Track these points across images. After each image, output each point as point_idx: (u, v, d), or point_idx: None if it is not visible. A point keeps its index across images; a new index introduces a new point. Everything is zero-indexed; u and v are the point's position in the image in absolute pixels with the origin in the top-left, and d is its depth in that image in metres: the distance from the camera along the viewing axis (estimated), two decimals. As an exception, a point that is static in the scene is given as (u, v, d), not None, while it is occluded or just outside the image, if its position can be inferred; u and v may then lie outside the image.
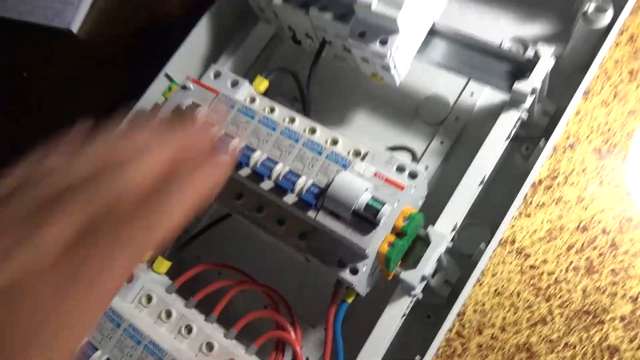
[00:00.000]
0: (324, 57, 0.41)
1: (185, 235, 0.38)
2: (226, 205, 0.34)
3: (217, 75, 0.37)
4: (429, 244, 0.32)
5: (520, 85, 0.35)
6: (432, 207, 0.36)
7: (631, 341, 0.35)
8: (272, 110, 0.36)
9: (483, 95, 0.43)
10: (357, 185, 0.29)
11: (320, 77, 0.47)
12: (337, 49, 0.40)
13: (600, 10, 0.36)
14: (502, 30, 0.44)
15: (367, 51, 0.36)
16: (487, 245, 0.33)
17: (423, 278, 0.33)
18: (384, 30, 0.35)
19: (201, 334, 0.31)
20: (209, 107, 0.34)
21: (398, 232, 0.31)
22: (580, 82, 0.35)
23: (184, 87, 0.36)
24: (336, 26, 0.37)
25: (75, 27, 0.57)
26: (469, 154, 0.37)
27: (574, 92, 0.37)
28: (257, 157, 0.32)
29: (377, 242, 0.30)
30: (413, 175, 0.31)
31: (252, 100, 0.36)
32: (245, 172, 0.32)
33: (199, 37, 0.45)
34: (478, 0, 0.46)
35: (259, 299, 0.37)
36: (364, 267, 0.30)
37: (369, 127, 0.44)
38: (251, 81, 0.38)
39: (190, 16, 0.56)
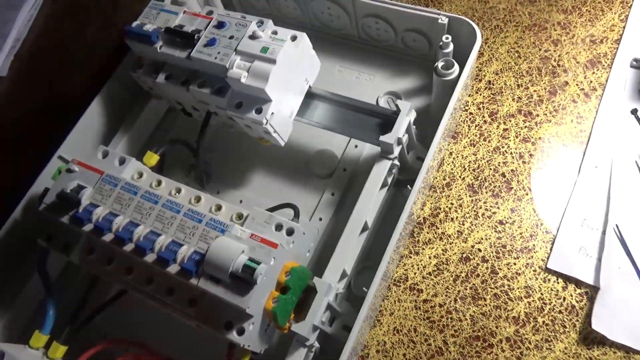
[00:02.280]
0: (217, 124, 0.44)
1: (83, 314, 0.38)
2: (118, 281, 0.35)
3: (105, 154, 0.39)
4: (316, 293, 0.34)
5: (386, 138, 0.39)
6: (330, 257, 0.38)
7: (518, 359, 0.38)
8: (159, 183, 0.37)
9: (367, 145, 0.47)
10: (233, 248, 0.31)
11: (218, 143, 0.49)
12: (223, 118, 0.43)
13: (447, 66, 0.41)
14: (377, 87, 0.49)
15: (246, 120, 0.39)
16: (368, 287, 0.35)
17: (315, 327, 0.34)
18: (258, 100, 0.38)
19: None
20: (94, 188, 0.36)
21: (282, 287, 0.33)
22: (436, 129, 0.39)
23: (69, 170, 0.37)
24: (215, 100, 0.40)
25: (-27, 116, 0.57)
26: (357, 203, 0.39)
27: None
28: (140, 231, 0.33)
29: (259, 300, 0.31)
30: (290, 232, 0.33)
31: (140, 175, 0.38)
32: (129, 247, 0.33)
33: (92, 117, 0.46)
34: (355, 62, 0.51)
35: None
36: (250, 326, 0.31)
37: (267, 187, 0.47)
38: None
39: (92, 98, 0.58)
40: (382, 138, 0.39)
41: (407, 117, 0.39)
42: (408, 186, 0.39)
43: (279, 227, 0.34)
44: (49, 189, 0.38)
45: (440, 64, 0.42)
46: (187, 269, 0.31)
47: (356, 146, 0.47)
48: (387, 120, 0.41)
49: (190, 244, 0.32)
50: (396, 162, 0.40)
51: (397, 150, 0.39)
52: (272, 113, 0.39)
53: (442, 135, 0.40)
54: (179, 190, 0.37)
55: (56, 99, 0.59)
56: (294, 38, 0.39)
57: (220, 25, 0.40)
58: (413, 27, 0.46)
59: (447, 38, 0.42)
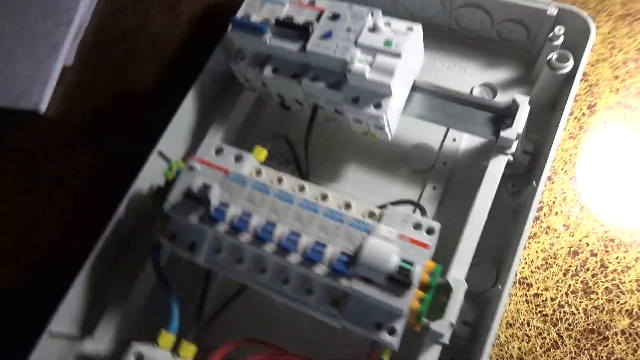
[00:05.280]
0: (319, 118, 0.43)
1: (206, 315, 0.37)
2: (250, 282, 0.35)
3: (219, 151, 0.38)
4: (449, 291, 0.34)
5: (506, 133, 0.38)
6: (436, 252, 0.37)
7: (634, 352, 0.38)
8: (280, 180, 0.37)
9: (464, 139, 0.46)
10: (386, 249, 0.30)
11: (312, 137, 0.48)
12: (329, 112, 0.42)
13: (562, 59, 0.41)
14: (469, 78, 0.48)
15: (361, 115, 0.38)
16: (503, 285, 0.35)
17: (451, 325, 0.34)
18: (377, 95, 0.38)
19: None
20: (222, 187, 0.35)
21: (423, 286, 0.32)
22: (557, 123, 0.39)
23: (191, 168, 0.36)
24: (330, 93, 0.39)
25: (42, 107, 0.56)
26: (461, 196, 0.39)
27: (547, 129, 0.42)
28: (280, 231, 0.32)
29: (410, 300, 0.31)
30: (430, 231, 0.33)
31: (258, 172, 0.37)
32: (270, 247, 0.32)
33: (187, 111, 0.45)
34: (445, 53, 0.50)
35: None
36: (400, 326, 0.31)
37: (362, 182, 0.46)
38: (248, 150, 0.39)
39: (162, 88, 0.57)
40: (504, 134, 0.38)
41: (525, 112, 0.39)
42: (534, 182, 0.38)
43: (417, 226, 0.33)
44: (162, 187, 0.38)
45: (554, 57, 0.41)
46: (338, 270, 0.31)
47: (454, 139, 0.46)
48: (498, 114, 0.41)
49: (334, 244, 0.32)
50: (511, 157, 0.40)
51: (514, 146, 0.39)
52: (390, 108, 0.38)
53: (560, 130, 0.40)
54: (301, 188, 0.36)
55: (126, 89, 0.58)
56: (409, 29, 0.38)
57: (334, 16, 0.39)
58: (514, 17, 0.45)
59: (559, 30, 0.41)
